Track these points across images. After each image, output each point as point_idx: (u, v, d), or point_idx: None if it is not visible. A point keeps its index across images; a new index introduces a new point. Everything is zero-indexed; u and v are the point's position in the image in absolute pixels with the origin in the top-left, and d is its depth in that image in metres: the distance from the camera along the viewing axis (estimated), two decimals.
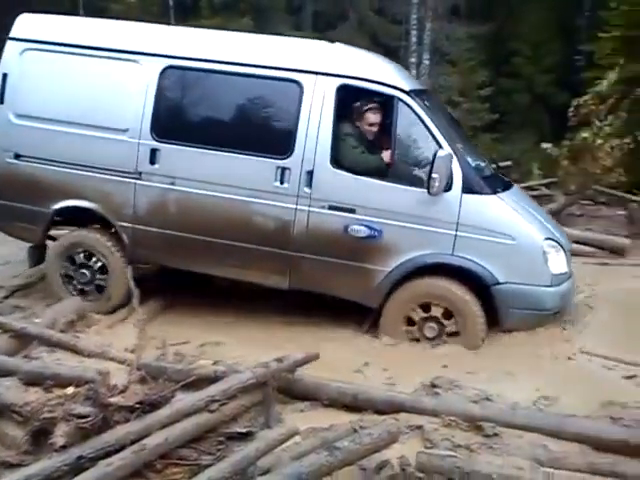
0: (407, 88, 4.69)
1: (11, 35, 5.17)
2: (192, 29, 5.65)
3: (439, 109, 5.26)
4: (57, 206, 5.08)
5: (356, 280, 4.71)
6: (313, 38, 5.72)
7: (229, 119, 5.02)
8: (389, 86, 4.68)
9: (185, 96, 5.07)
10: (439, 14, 17.64)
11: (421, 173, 4.57)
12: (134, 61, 4.95)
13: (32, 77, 5.09)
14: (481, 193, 4.57)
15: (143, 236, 4.99)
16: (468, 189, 4.52)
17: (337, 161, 4.66)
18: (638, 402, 3.62)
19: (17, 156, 5.08)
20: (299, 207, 4.68)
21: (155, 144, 4.88)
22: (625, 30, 9.91)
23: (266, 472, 2.83)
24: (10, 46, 5.16)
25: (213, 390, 3.20)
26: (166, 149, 4.87)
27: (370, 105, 4.76)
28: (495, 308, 4.56)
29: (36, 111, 5.05)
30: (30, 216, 5.12)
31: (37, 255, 5.42)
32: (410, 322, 4.67)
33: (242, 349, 4.34)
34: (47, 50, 5.09)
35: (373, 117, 4.78)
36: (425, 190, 4.44)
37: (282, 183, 4.68)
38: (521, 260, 4.55)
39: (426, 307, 4.62)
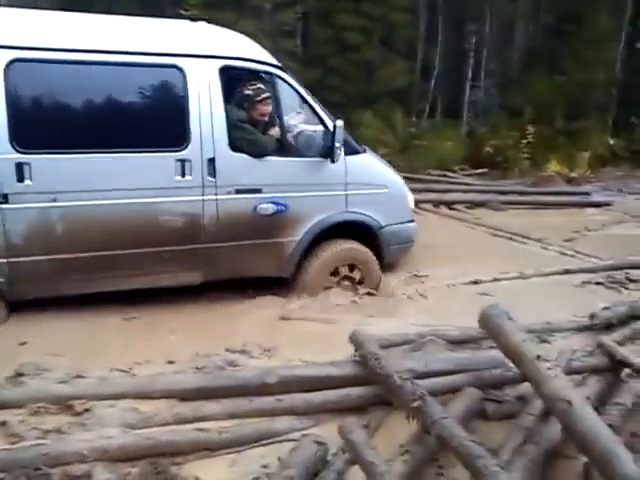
0: (280, 65, 4.91)
1: None
2: (45, 12, 4.58)
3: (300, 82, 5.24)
4: None
5: (270, 256, 4.93)
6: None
7: (112, 116, 4.35)
8: (267, 64, 4.86)
9: (48, 95, 4.18)
10: None
11: (315, 143, 4.92)
12: None
13: None
14: (358, 153, 5.25)
15: (26, 269, 4.22)
16: (348, 152, 5.03)
17: (235, 145, 4.63)
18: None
19: None
20: (206, 197, 4.57)
21: (21, 157, 4.06)
22: None
23: None
24: None
25: None
26: (38, 161, 4.09)
27: (263, 96, 4.80)
28: (379, 248, 5.32)
29: None
30: None
31: None
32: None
33: None
34: None
35: (265, 108, 4.86)
36: (320, 158, 4.89)
37: (184, 176, 4.48)
38: (394, 205, 5.39)
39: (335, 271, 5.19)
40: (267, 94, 4.83)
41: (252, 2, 12.36)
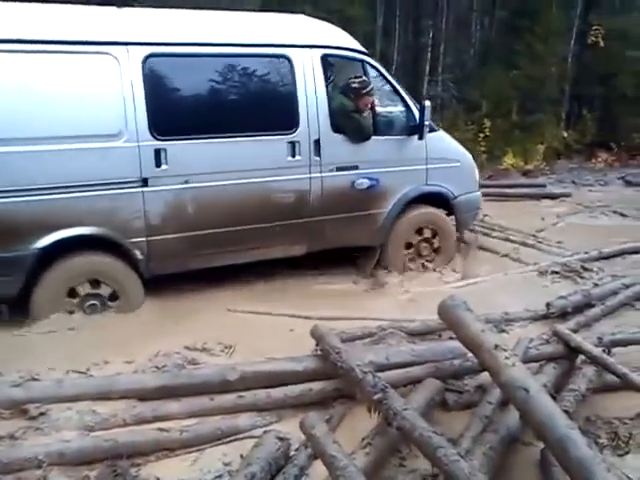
0: (368, 52, 5.45)
1: None
2: (170, 10, 4.87)
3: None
4: (41, 244, 4.16)
5: (364, 227, 5.40)
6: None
7: (233, 103, 4.78)
8: (358, 52, 5.39)
9: (178, 86, 4.58)
10: None
11: (408, 124, 5.43)
12: (105, 53, 4.26)
13: None
14: (434, 131, 5.71)
15: (160, 247, 4.57)
16: (429, 130, 5.45)
17: (337, 127, 5.08)
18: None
19: None
20: (312, 175, 5.02)
21: (158, 144, 4.42)
22: None
23: None
24: None
25: None
26: (173, 147, 4.46)
27: (369, 88, 5.22)
28: (455, 215, 5.89)
29: None
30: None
31: None
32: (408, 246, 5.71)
33: None
34: None
35: (370, 99, 5.26)
36: (406, 136, 5.43)
37: (294, 156, 4.92)
38: (464, 176, 5.90)
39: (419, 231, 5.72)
40: (371, 86, 5.26)
41: None
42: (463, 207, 5.93)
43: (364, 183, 5.25)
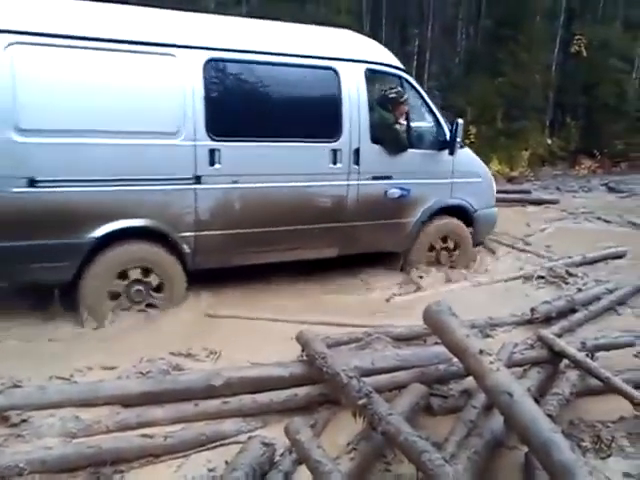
0: (405, 69, 5.73)
1: None
2: (229, 18, 5.21)
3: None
4: (98, 233, 4.33)
5: (393, 234, 5.68)
6: None
7: (280, 109, 4.93)
8: (396, 68, 5.65)
9: (234, 90, 4.75)
10: None
11: (438, 139, 5.72)
12: (169, 54, 4.46)
13: (32, 80, 4.02)
14: (461, 147, 5.93)
15: (206, 242, 4.76)
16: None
17: (375, 138, 5.32)
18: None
19: (32, 183, 4.06)
20: (350, 182, 5.26)
21: (213, 144, 4.61)
22: None
23: None
24: None
25: None
26: (226, 148, 4.66)
27: (405, 97, 5.54)
28: (474, 228, 6.14)
29: (50, 123, 4.09)
30: (55, 252, 4.23)
31: None
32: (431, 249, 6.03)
33: None
34: (48, 44, 4.06)
35: (404, 107, 5.57)
36: (437, 151, 5.71)
37: (335, 163, 5.16)
38: (484, 192, 6.21)
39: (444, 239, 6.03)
40: (406, 96, 5.57)
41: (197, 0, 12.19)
42: (482, 220, 6.24)
43: (396, 193, 5.53)
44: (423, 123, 5.80)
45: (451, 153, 5.72)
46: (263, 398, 3.24)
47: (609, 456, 3.02)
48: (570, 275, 5.70)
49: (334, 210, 5.24)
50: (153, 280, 4.64)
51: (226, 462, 2.79)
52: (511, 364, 3.51)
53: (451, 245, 6.10)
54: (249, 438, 2.92)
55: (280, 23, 5.34)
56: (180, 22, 4.72)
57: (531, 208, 9.67)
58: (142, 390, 3.25)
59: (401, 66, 5.73)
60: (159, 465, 2.86)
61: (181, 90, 4.47)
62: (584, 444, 3.09)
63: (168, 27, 4.59)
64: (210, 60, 4.58)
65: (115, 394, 3.25)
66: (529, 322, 4.61)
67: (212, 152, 4.60)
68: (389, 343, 4.00)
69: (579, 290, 5.28)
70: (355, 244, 5.51)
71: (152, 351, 3.93)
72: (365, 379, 3.12)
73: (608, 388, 3.38)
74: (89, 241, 4.32)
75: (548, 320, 4.60)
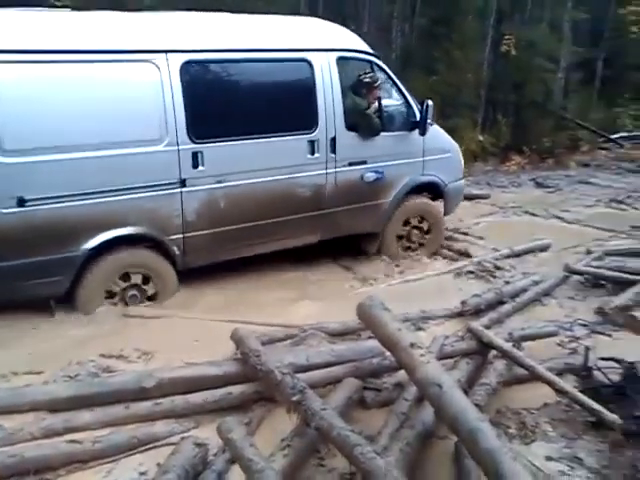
0: (377, 54, 5.86)
1: None
2: (201, 14, 5.05)
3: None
4: (91, 244, 4.40)
5: (370, 216, 5.88)
6: None
7: (257, 106, 4.97)
8: (366, 53, 5.76)
9: (210, 91, 4.77)
10: None
11: (409, 120, 5.90)
12: (146, 61, 4.45)
13: (15, 99, 3.97)
14: (431, 125, 6.00)
15: (194, 242, 4.86)
16: None
17: (350, 125, 5.47)
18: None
19: (21, 202, 4.05)
20: (328, 171, 5.44)
21: (196, 147, 4.68)
22: None
23: None
24: None
25: None
26: (208, 150, 4.73)
27: (377, 82, 5.66)
28: (445, 201, 6.44)
29: (34, 142, 4.06)
30: (50, 267, 4.27)
31: None
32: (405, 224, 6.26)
33: None
34: (24, 61, 4.01)
35: (378, 92, 5.71)
36: (408, 132, 5.90)
37: (313, 154, 5.32)
38: (453, 166, 6.49)
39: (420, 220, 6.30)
40: (380, 80, 5.70)
41: None
42: (452, 193, 6.53)
43: (371, 176, 5.73)
44: (395, 106, 5.96)
45: (422, 133, 5.91)
46: (196, 398, 3.20)
47: (533, 441, 3.15)
48: (498, 268, 5.88)
49: (314, 199, 5.43)
50: (145, 283, 4.76)
51: (158, 464, 2.76)
52: (442, 356, 3.60)
53: (425, 226, 6.35)
54: (182, 439, 2.89)
55: (251, 16, 5.38)
56: (153, 25, 4.72)
57: (463, 203, 9.90)
58: (70, 394, 3.18)
59: (371, 51, 5.81)
60: (87, 471, 2.79)
61: (160, 96, 4.48)
62: (510, 431, 3.21)
63: (143, 32, 4.59)
64: (186, 63, 4.58)
65: (41, 399, 3.17)
66: (460, 315, 4.73)
67: (195, 155, 4.68)
68: (324, 339, 4.03)
69: (507, 283, 5.46)
70: (335, 229, 5.74)
71: (82, 353, 3.81)
72: (300, 375, 3.13)
73: (533, 376, 3.52)
74: (82, 253, 4.39)
75: (478, 312, 4.73)
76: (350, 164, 5.57)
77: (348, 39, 5.76)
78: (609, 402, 3.33)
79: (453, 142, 6.63)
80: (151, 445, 2.95)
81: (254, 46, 4.96)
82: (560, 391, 3.38)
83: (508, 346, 3.65)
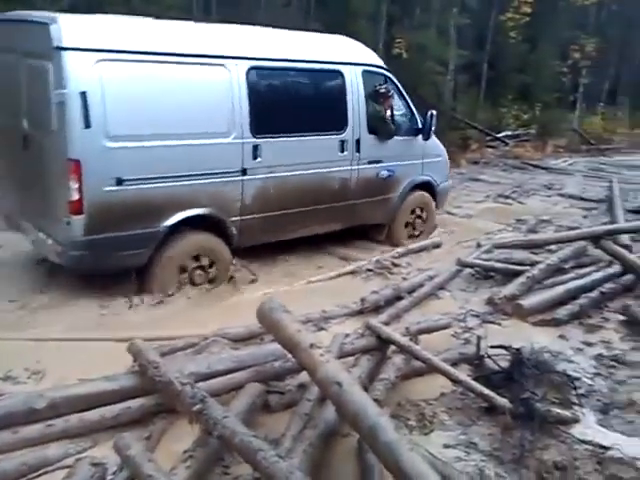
0: (389, 69, 6.93)
1: (72, 44, 4.38)
2: (259, 28, 5.88)
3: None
4: (170, 222, 5.01)
5: (383, 208, 6.87)
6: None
7: (302, 107, 5.84)
8: (382, 68, 6.81)
9: (267, 93, 5.54)
10: None
11: (413, 127, 6.97)
12: (220, 65, 5.18)
13: (118, 93, 4.58)
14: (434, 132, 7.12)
15: (248, 224, 5.53)
16: None
17: (370, 128, 6.41)
18: None
19: (119, 182, 4.64)
20: (352, 167, 6.32)
21: (256, 141, 5.41)
22: None
23: None
24: (76, 58, 4.39)
25: None
26: (265, 143, 5.47)
27: (391, 92, 6.64)
28: (436, 198, 7.50)
29: (131, 130, 4.68)
30: (137, 240, 4.88)
31: None
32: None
33: None
34: (126, 60, 4.65)
35: (392, 101, 6.68)
36: (413, 137, 6.98)
37: (343, 152, 6.21)
38: (443, 168, 7.64)
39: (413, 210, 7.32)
40: (392, 91, 6.66)
41: None
42: (442, 192, 7.68)
43: (385, 173, 6.69)
44: (402, 112, 6.90)
45: (426, 139, 7.01)
46: (92, 415, 3.07)
47: (432, 431, 3.28)
48: (395, 266, 6.09)
49: (341, 191, 6.29)
50: (210, 267, 5.35)
51: None
52: (342, 354, 3.67)
53: (424, 215, 7.41)
54: (77, 460, 2.75)
55: (298, 32, 6.32)
56: (226, 35, 5.49)
57: None
58: None
59: (385, 66, 6.85)
60: None
61: (230, 95, 5.20)
62: (410, 422, 3.33)
63: (219, 40, 5.34)
64: (250, 68, 5.33)
65: None
66: (360, 312, 4.85)
67: (255, 148, 5.41)
68: (227, 345, 3.99)
69: (404, 279, 5.65)
70: (355, 218, 6.62)
71: None
72: (201, 384, 3.10)
73: (430, 368, 3.67)
74: (162, 230, 4.99)
75: (377, 309, 4.87)
76: (369, 162, 6.49)
77: (370, 56, 6.79)
78: (499, 387, 3.55)
79: (442, 147, 7.63)
80: (43, 470, 2.79)
81: (301, 57, 5.84)
82: (455, 380, 3.56)
83: (405, 340, 3.78)
